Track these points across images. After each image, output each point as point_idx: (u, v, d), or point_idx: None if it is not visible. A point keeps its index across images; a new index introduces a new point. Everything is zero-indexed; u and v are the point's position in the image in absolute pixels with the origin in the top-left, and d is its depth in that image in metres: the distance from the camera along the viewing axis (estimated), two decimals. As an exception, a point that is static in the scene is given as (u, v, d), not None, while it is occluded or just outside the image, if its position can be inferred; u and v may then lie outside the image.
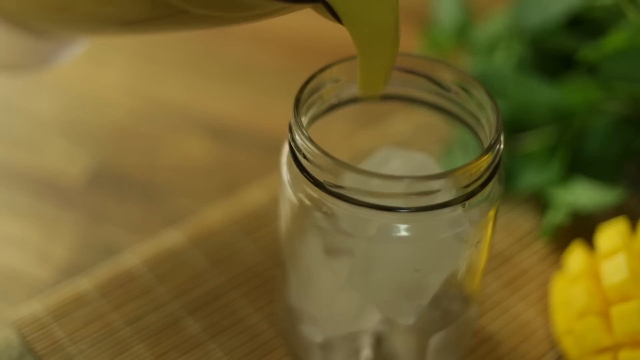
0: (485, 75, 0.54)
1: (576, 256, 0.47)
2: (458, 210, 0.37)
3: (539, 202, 0.53)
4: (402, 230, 0.37)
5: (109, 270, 0.49)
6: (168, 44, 0.67)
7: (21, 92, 0.62)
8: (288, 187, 0.39)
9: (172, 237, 0.51)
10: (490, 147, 0.37)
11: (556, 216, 0.51)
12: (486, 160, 0.37)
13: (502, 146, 0.38)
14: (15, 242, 0.52)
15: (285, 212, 0.41)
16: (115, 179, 0.56)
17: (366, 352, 0.42)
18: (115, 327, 0.46)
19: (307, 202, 0.39)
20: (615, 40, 0.50)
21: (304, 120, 0.39)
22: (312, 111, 0.40)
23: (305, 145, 0.37)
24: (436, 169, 0.41)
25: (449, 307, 0.42)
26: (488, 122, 0.39)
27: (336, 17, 0.35)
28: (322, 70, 0.40)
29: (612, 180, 0.52)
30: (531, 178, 0.53)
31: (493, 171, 0.38)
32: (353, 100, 0.42)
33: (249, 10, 0.35)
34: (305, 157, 0.37)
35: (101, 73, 0.64)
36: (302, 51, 0.67)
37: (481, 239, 0.40)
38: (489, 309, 0.48)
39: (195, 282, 0.49)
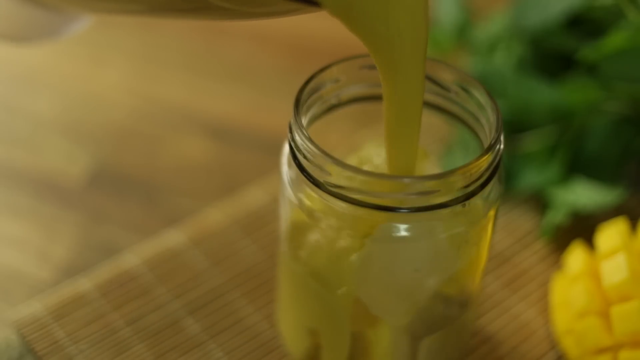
0: (485, 75, 0.54)
1: (576, 256, 0.47)
2: (458, 210, 0.37)
3: (539, 202, 0.53)
4: (402, 230, 0.37)
5: (109, 270, 0.49)
6: (168, 44, 0.67)
7: (21, 92, 0.62)
8: (288, 187, 0.39)
9: (172, 237, 0.51)
10: (490, 147, 0.37)
11: (556, 216, 0.51)
12: (486, 160, 0.37)
13: (502, 146, 0.38)
14: (15, 242, 0.52)
15: (285, 212, 0.41)
16: (115, 179, 0.56)
17: (364, 352, 0.42)
18: (115, 327, 0.46)
19: (307, 202, 0.39)
20: (615, 40, 0.50)
21: (304, 120, 0.39)
22: (312, 111, 0.40)
23: (305, 145, 0.37)
24: (436, 169, 0.41)
25: (446, 309, 0.42)
26: (488, 122, 0.39)
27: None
28: (322, 70, 0.40)
29: (612, 180, 0.52)
30: (531, 178, 0.53)
31: (493, 171, 0.38)
32: (353, 100, 0.42)
33: (268, 7, 0.35)
34: (305, 157, 0.37)
35: (101, 73, 0.64)
36: (302, 51, 0.67)
37: (481, 239, 0.40)
38: (489, 309, 0.48)
39: (195, 282, 0.49)
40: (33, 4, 0.43)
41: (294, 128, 0.38)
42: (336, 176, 0.37)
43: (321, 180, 0.37)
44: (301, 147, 0.37)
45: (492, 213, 0.39)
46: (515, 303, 0.49)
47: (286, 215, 0.41)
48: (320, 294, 0.41)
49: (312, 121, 0.40)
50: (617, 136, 0.52)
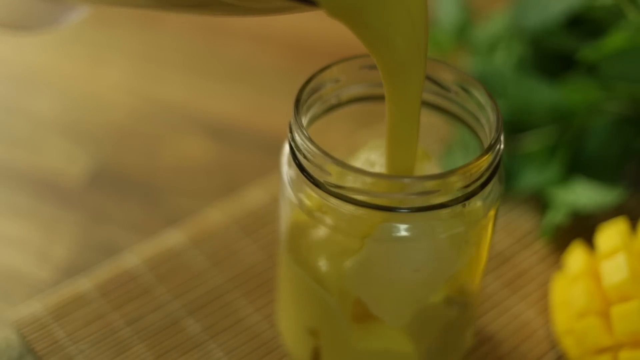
0: (485, 75, 0.54)
1: (576, 256, 0.47)
2: (458, 210, 0.37)
3: (539, 202, 0.53)
4: (402, 230, 0.37)
5: (109, 270, 0.49)
6: (168, 44, 0.67)
7: (21, 92, 0.62)
8: (288, 187, 0.39)
9: (172, 237, 0.51)
10: (490, 147, 0.37)
11: (556, 216, 0.51)
12: (486, 160, 0.37)
13: (502, 146, 0.38)
14: (15, 242, 0.52)
15: (285, 212, 0.41)
16: (115, 179, 0.56)
17: (364, 352, 0.42)
18: (115, 327, 0.46)
19: (307, 202, 0.39)
20: (615, 40, 0.50)
21: (304, 120, 0.39)
22: (312, 111, 0.40)
23: (305, 145, 0.37)
24: (436, 169, 0.41)
25: (446, 309, 0.42)
26: (488, 122, 0.39)
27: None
28: (322, 70, 0.40)
29: (612, 180, 0.52)
30: (531, 178, 0.53)
31: (493, 171, 0.38)
32: (353, 100, 0.42)
33: (266, 2, 0.35)
34: (305, 157, 0.37)
35: (101, 73, 0.64)
36: (302, 51, 0.67)
37: (481, 239, 0.40)
38: (489, 309, 0.48)
39: (195, 282, 0.49)
40: None
41: (294, 128, 0.38)
42: (336, 176, 0.37)
43: (321, 180, 0.37)
44: (301, 147, 0.37)
45: (492, 213, 0.39)
46: (515, 303, 0.49)
47: (286, 215, 0.41)
48: (320, 294, 0.41)
49: (312, 121, 0.40)
50: (617, 136, 0.52)
